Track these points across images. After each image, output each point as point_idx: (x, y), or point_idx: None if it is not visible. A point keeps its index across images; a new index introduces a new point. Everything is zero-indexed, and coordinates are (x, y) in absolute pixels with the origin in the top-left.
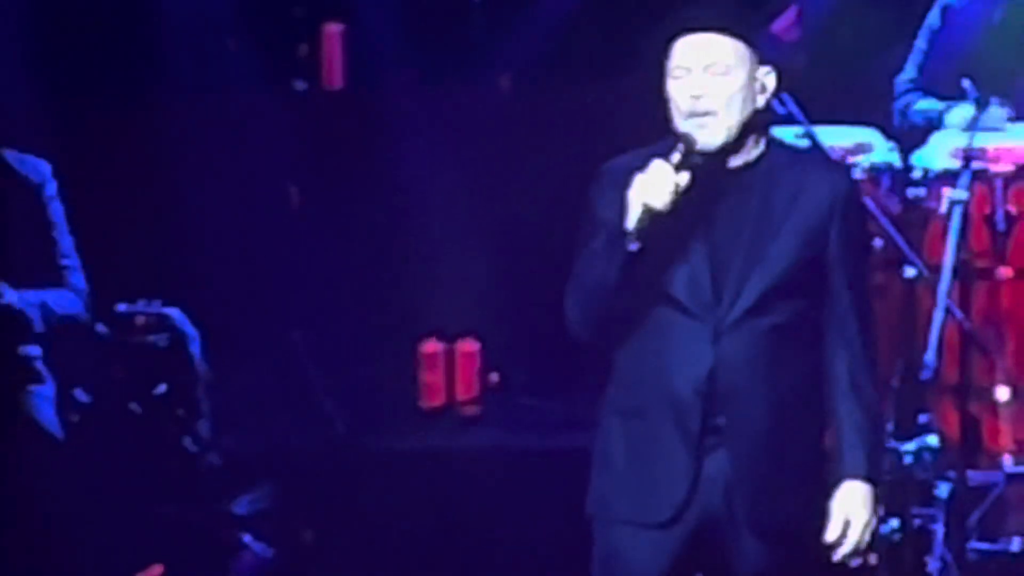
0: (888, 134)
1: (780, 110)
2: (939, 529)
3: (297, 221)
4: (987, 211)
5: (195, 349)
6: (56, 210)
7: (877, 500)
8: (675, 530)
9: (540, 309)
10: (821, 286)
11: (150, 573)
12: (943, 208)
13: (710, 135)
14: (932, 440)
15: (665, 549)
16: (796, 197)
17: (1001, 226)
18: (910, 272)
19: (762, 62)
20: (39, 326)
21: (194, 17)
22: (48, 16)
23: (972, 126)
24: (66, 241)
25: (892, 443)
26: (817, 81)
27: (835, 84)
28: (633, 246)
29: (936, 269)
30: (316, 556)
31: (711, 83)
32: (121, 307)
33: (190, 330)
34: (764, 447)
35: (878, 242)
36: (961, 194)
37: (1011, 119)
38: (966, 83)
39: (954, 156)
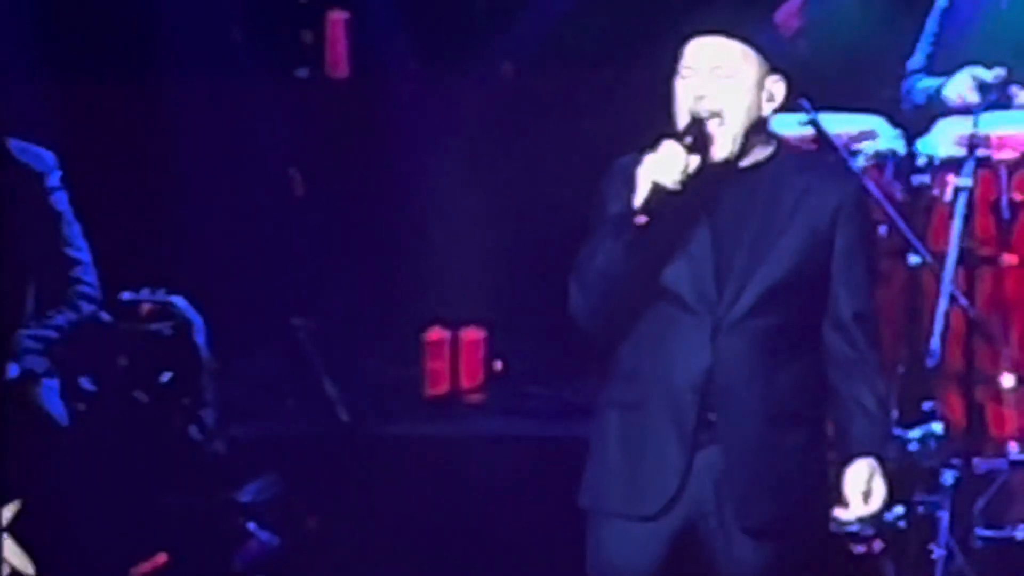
0: (893, 121)
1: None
2: (944, 516)
3: (301, 209)
4: (992, 198)
5: (200, 337)
6: (61, 199)
7: (883, 474)
8: (664, 524)
9: (545, 297)
10: (822, 290)
11: (155, 561)
12: (948, 195)
13: (716, 147)
14: (937, 427)
15: (653, 542)
16: (802, 200)
17: (1006, 213)
18: (914, 259)
19: (772, 70)
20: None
21: (198, 5)
22: (52, 5)
23: (981, 107)
24: (73, 230)
25: (897, 430)
26: (822, 68)
27: (840, 71)
28: (640, 219)
29: (940, 256)
30: (321, 544)
31: (716, 85)
32: (126, 295)
33: (195, 318)
34: (756, 445)
35: (883, 229)
36: (966, 181)
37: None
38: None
39: (959, 143)
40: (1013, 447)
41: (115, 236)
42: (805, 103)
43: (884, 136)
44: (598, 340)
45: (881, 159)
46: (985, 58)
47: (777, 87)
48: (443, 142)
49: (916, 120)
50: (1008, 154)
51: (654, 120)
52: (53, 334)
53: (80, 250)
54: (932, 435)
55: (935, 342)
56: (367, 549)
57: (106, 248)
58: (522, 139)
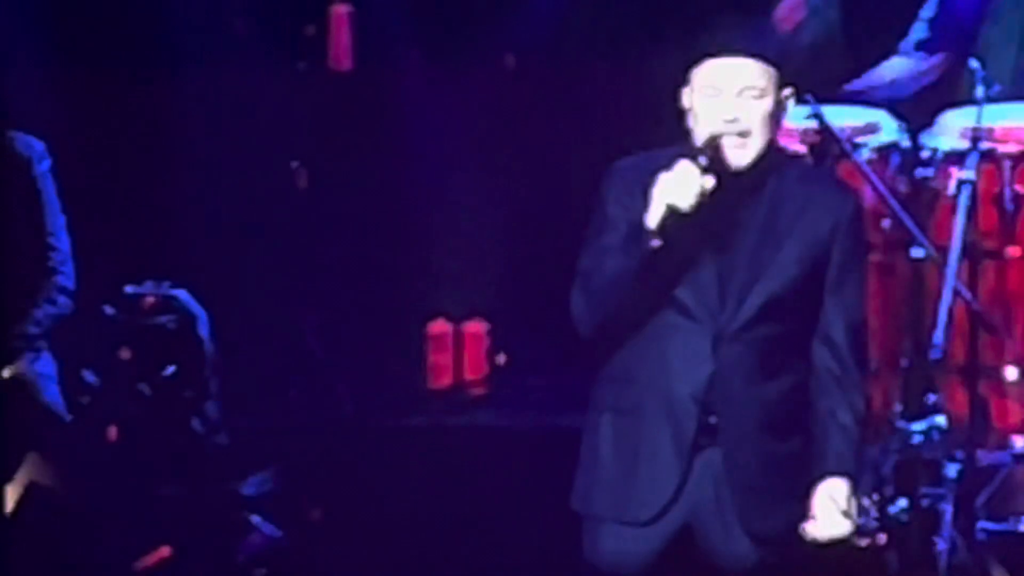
0: (897, 114)
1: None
2: (947, 509)
3: (305, 202)
4: (995, 191)
5: (203, 330)
6: (47, 188)
7: (855, 494)
8: (658, 529)
9: (548, 290)
10: (820, 302)
11: (158, 554)
12: (951, 189)
13: (743, 155)
14: (940, 420)
15: (649, 544)
16: (802, 212)
17: (1009, 206)
18: (918, 253)
19: (783, 84)
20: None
21: None
22: None
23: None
24: (57, 222)
25: (901, 423)
26: (825, 60)
27: (844, 64)
28: (654, 243)
29: (944, 249)
30: (324, 537)
31: (746, 106)
32: (129, 289)
33: (198, 311)
34: (755, 451)
35: (886, 223)
36: (969, 174)
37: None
38: (974, 63)
39: (962, 136)
40: (1016, 440)
41: (119, 229)
42: (809, 97)
43: (888, 129)
44: (598, 345)
45: (885, 152)
46: (980, 43)
47: (790, 99)
48: (446, 135)
49: (920, 114)
50: (1011, 147)
51: (657, 113)
52: (35, 330)
53: (60, 240)
54: (936, 428)
55: (939, 335)
56: (370, 542)
57: (109, 241)
58: (525, 131)
